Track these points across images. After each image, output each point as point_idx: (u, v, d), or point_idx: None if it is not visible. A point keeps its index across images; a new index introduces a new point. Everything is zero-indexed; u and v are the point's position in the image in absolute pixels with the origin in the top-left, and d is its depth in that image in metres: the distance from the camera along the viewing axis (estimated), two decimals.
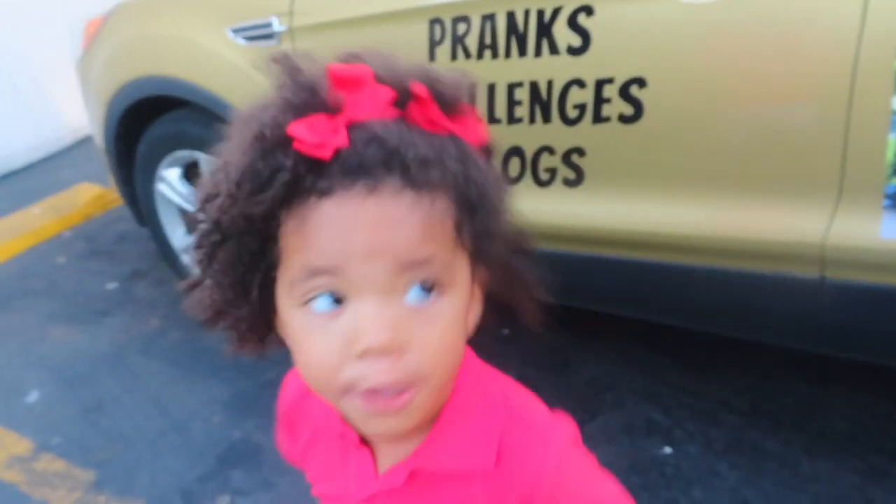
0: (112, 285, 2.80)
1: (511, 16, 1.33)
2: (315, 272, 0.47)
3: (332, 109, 0.47)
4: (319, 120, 0.46)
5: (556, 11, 1.27)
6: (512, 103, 1.41)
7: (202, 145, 1.96)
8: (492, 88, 1.42)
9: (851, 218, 1.17)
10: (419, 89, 0.48)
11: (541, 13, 1.29)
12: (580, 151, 1.38)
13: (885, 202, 1.13)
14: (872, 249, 1.17)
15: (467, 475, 0.56)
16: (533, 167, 1.45)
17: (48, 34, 4.39)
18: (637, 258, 1.43)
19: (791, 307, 1.31)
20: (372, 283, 0.47)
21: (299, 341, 0.50)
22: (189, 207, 2.17)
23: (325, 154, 0.45)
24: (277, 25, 1.69)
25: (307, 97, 0.47)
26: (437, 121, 0.49)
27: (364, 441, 0.59)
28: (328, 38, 1.63)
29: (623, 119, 1.29)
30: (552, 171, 1.43)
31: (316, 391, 0.52)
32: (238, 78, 1.77)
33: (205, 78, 1.86)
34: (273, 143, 0.46)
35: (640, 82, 1.24)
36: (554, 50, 1.30)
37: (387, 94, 0.48)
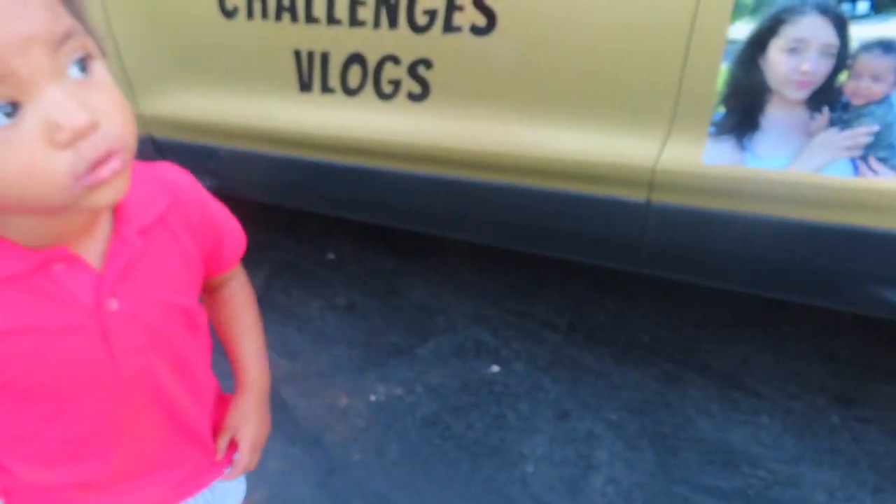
0: None
1: None
2: None
3: None
4: None
5: None
6: (355, 3, 1.28)
7: None
8: None
9: (680, 144, 1.23)
10: None
11: None
12: (427, 63, 1.30)
13: (710, 129, 1.20)
14: (695, 174, 1.24)
15: (163, 218, 0.65)
16: (375, 78, 1.35)
17: None
18: (476, 179, 1.40)
19: (618, 229, 1.37)
20: (40, 73, 0.46)
21: None
22: None
23: None
24: None
25: None
26: None
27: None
28: None
29: (475, 30, 1.23)
30: (396, 84, 1.34)
31: (23, 203, 0.50)
32: None
33: None
34: None
35: None
36: None
37: None
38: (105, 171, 0.49)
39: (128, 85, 1.57)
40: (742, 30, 1.07)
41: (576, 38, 1.19)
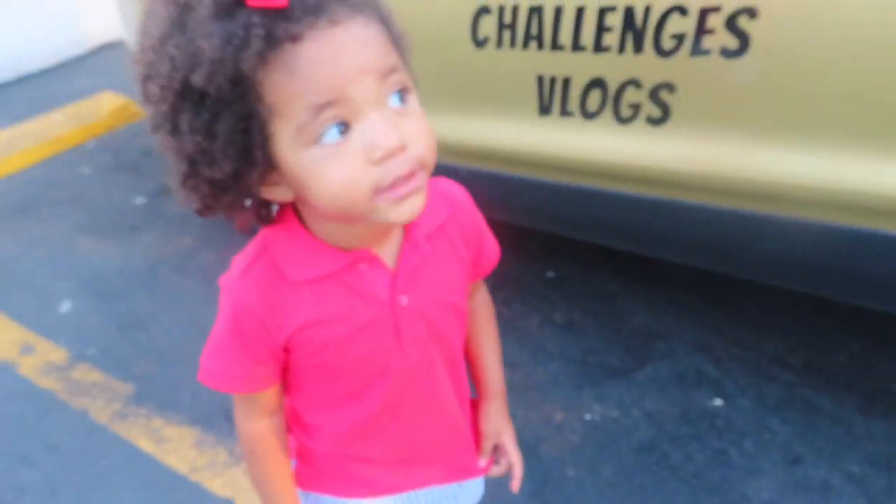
0: (140, 200, 2.74)
1: None
2: (322, 108, 0.54)
3: None
4: None
5: None
6: (601, 30, 1.31)
7: None
8: (580, 12, 1.32)
9: None
10: None
11: None
12: (670, 87, 1.29)
13: None
14: None
15: (443, 226, 0.74)
16: (615, 102, 1.37)
17: None
18: (713, 205, 1.36)
19: (882, 266, 1.25)
20: (367, 100, 0.55)
21: (317, 173, 0.56)
22: None
23: (283, 2, 0.52)
24: None
25: None
26: None
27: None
28: None
29: (725, 53, 1.20)
30: (636, 107, 1.35)
31: (340, 211, 0.58)
32: None
33: None
34: (231, 6, 0.51)
35: (751, 12, 1.15)
36: None
37: None
38: (405, 188, 0.58)
39: None
40: None
41: (844, 62, 1.11)
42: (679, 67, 1.26)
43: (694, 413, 1.60)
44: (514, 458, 0.89)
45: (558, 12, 1.34)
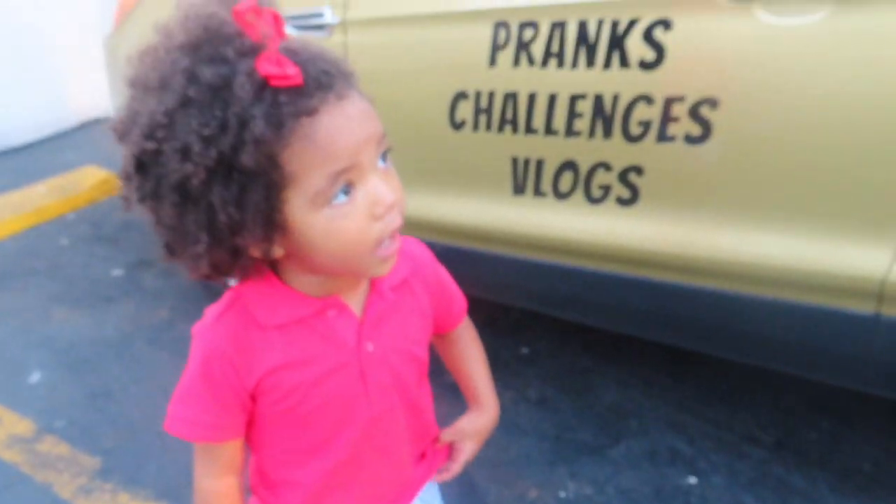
0: (117, 272, 2.74)
1: (583, 25, 1.32)
2: (339, 174, 0.59)
3: (263, 46, 0.57)
4: (267, 56, 0.56)
5: (631, 23, 1.26)
6: (573, 115, 1.39)
7: None
8: (553, 99, 1.40)
9: None
10: (275, 10, 0.59)
11: (615, 24, 1.28)
12: (638, 170, 1.36)
13: None
14: None
15: (406, 280, 0.78)
16: (586, 183, 1.43)
17: (63, 10, 4.33)
18: (681, 283, 1.41)
19: (840, 343, 1.29)
20: (370, 164, 0.62)
21: (329, 232, 0.61)
22: None
23: (299, 80, 0.57)
24: (330, 16, 1.67)
25: (247, 42, 0.57)
26: (283, 33, 0.60)
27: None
28: (384, 35, 1.61)
29: (689, 139, 1.27)
30: (606, 189, 1.41)
31: (343, 264, 0.64)
32: None
33: None
34: (262, 87, 0.56)
35: (713, 103, 1.23)
36: (625, 63, 1.29)
37: (276, 19, 0.58)
38: (393, 247, 0.65)
39: None
40: None
41: (799, 146, 1.19)
42: (646, 152, 1.33)
43: (668, 490, 1.60)
44: (456, 466, 0.90)
45: (532, 98, 1.42)
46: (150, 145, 0.57)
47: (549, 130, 1.43)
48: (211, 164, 0.56)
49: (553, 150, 1.44)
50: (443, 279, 0.87)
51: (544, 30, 1.37)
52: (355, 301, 0.73)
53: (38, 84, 4.36)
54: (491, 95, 1.48)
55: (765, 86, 1.19)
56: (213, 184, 0.57)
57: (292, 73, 0.56)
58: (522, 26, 1.39)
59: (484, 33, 1.45)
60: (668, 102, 1.27)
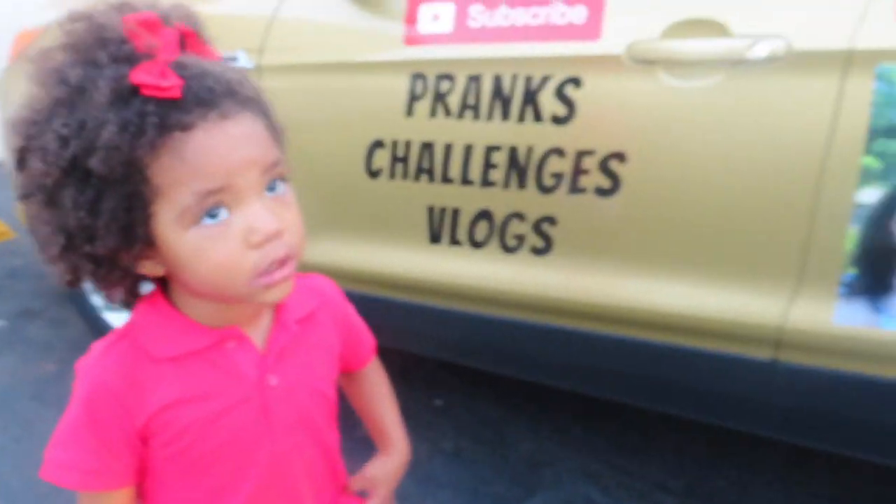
0: (0, 322, 2.52)
1: (498, 79, 1.35)
2: (208, 194, 0.56)
3: (148, 56, 0.56)
4: (148, 66, 0.55)
5: (544, 80, 1.30)
6: (488, 166, 1.41)
7: None
8: (469, 149, 1.42)
9: (809, 303, 1.23)
10: (188, 29, 0.59)
11: (529, 80, 1.32)
12: (552, 220, 1.39)
13: (840, 289, 1.20)
14: (825, 334, 1.22)
15: (313, 314, 0.76)
16: (501, 233, 1.45)
17: None
18: (598, 332, 1.43)
19: (740, 388, 1.34)
20: (251, 189, 0.58)
21: (197, 254, 0.58)
22: None
23: (177, 93, 0.55)
24: (245, 61, 1.64)
25: (127, 49, 0.56)
26: (208, 53, 0.61)
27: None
28: (299, 81, 1.60)
29: (599, 192, 1.32)
30: (521, 238, 1.43)
31: (216, 289, 0.61)
32: None
33: None
34: (127, 94, 0.54)
35: (621, 157, 1.28)
36: (538, 118, 1.33)
37: (174, 35, 0.57)
38: (279, 274, 0.60)
39: None
40: (870, 194, 1.11)
41: (697, 199, 1.25)
42: (559, 203, 1.37)
43: None
44: None
45: (448, 148, 1.44)
46: (22, 142, 0.57)
47: (465, 180, 1.44)
48: (65, 165, 0.55)
49: (469, 200, 1.46)
50: (351, 316, 0.85)
51: (461, 82, 1.39)
52: (257, 333, 0.70)
53: None
54: (408, 145, 1.48)
55: (666, 142, 1.25)
56: (67, 186, 0.56)
57: (167, 84, 0.54)
58: (439, 78, 1.42)
59: (401, 84, 1.46)
60: (580, 155, 1.32)
